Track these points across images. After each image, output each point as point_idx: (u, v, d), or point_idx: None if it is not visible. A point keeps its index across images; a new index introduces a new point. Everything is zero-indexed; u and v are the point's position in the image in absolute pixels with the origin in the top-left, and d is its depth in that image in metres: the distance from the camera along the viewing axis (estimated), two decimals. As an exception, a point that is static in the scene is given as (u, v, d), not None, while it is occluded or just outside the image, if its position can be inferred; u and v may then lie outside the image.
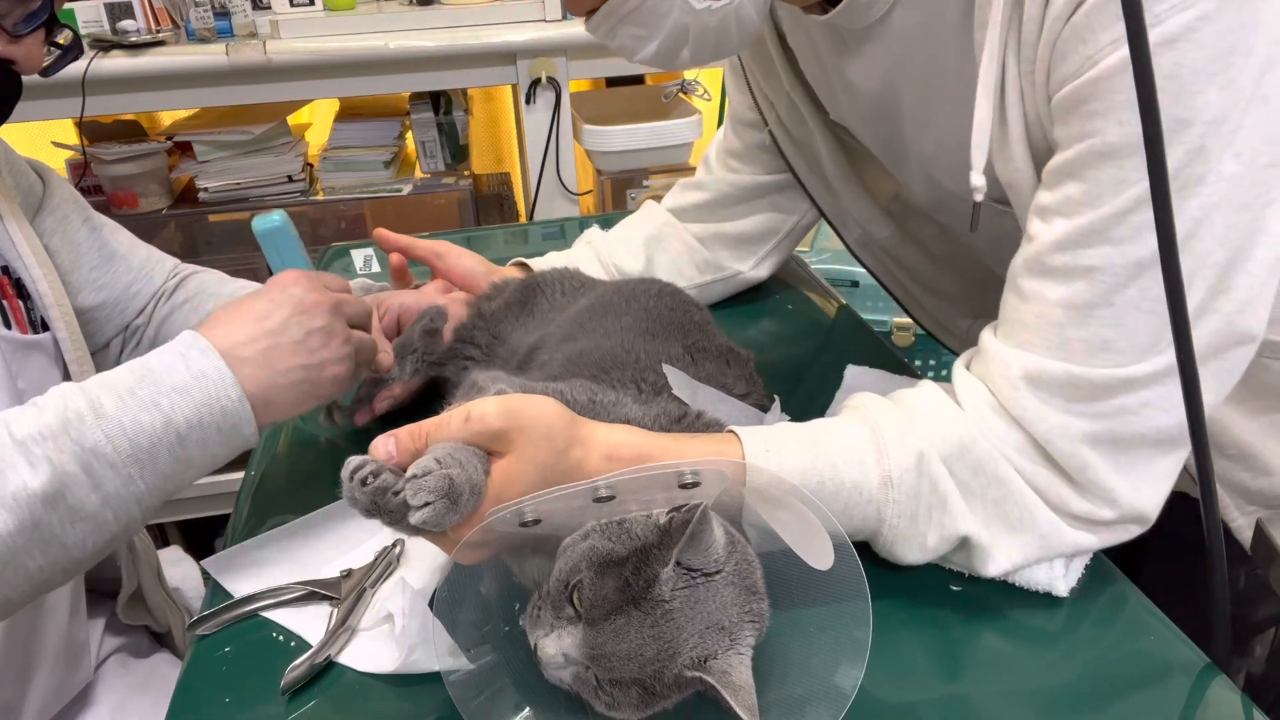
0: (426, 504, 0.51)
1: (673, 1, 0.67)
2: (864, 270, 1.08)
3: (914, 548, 0.63)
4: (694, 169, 1.10)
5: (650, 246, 1.04)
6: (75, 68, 1.72)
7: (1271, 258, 0.59)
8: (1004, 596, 0.64)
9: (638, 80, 2.29)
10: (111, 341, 0.98)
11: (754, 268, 1.07)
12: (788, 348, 1.03)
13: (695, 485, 0.56)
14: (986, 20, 0.62)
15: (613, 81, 2.26)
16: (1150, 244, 0.56)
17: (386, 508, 0.54)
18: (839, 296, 1.13)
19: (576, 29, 1.87)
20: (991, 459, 0.61)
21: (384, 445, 0.56)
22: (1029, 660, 0.60)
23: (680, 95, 2.05)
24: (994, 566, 0.63)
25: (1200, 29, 0.53)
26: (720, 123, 1.34)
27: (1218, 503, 0.57)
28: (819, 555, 0.54)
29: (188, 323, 0.96)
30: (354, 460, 0.55)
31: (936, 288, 1.06)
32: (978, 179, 0.64)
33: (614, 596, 0.51)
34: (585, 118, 1.94)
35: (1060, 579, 0.63)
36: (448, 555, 0.58)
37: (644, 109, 2.05)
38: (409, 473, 0.53)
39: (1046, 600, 0.64)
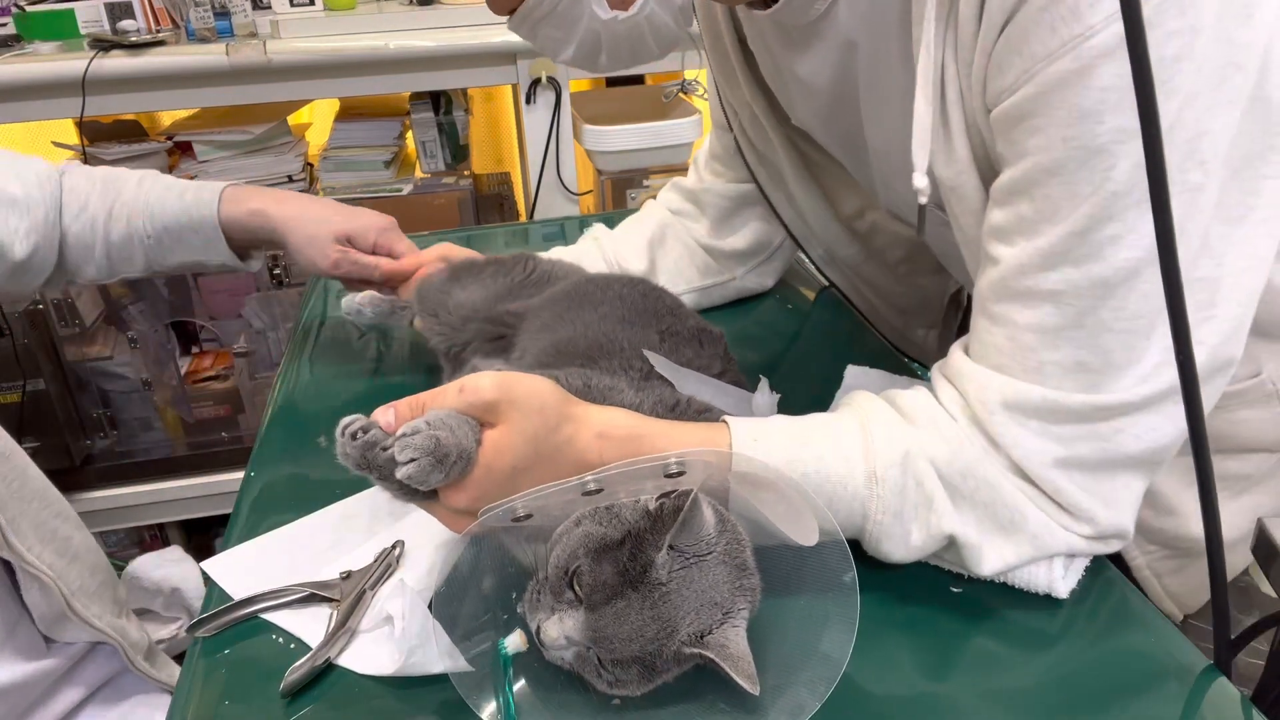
0: (412, 460, 0.54)
1: (583, 9, 0.67)
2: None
3: (899, 545, 0.63)
4: (693, 169, 1.10)
5: (653, 248, 1.04)
6: (75, 67, 1.73)
7: (1252, 288, 0.58)
8: (1004, 597, 0.64)
9: (638, 80, 2.29)
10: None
11: (748, 275, 1.07)
12: (787, 347, 1.03)
13: (681, 475, 0.57)
14: (923, 15, 0.61)
15: (613, 81, 2.26)
16: (1114, 262, 0.56)
17: (375, 463, 0.56)
18: (839, 296, 1.13)
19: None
20: (980, 463, 0.61)
21: (383, 415, 0.59)
22: (1029, 661, 0.60)
23: (680, 95, 2.05)
24: (987, 566, 0.63)
25: None
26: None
27: (1217, 503, 0.57)
28: (804, 534, 0.55)
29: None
30: (346, 418, 0.57)
31: (899, 304, 1.07)
32: (920, 180, 0.63)
33: (613, 581, 0.53)
34: (585, 118, 1.94)
35: (1060, 580, 0.63)
36: (447, 531, 0.60)
37: (644, 109, 2.05)
38: (399, 431, 0.55)
39: (1046, 601, 0.63)
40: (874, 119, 0.76)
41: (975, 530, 0.62)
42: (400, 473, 0.54)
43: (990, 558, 0.62)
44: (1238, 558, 0.86)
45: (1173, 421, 0.60)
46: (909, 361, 1.06)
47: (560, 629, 0.53)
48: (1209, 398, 0.60)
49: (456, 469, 0.56)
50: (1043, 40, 0.54)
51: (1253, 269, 0.59)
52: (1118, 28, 0.51)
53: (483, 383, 0.58)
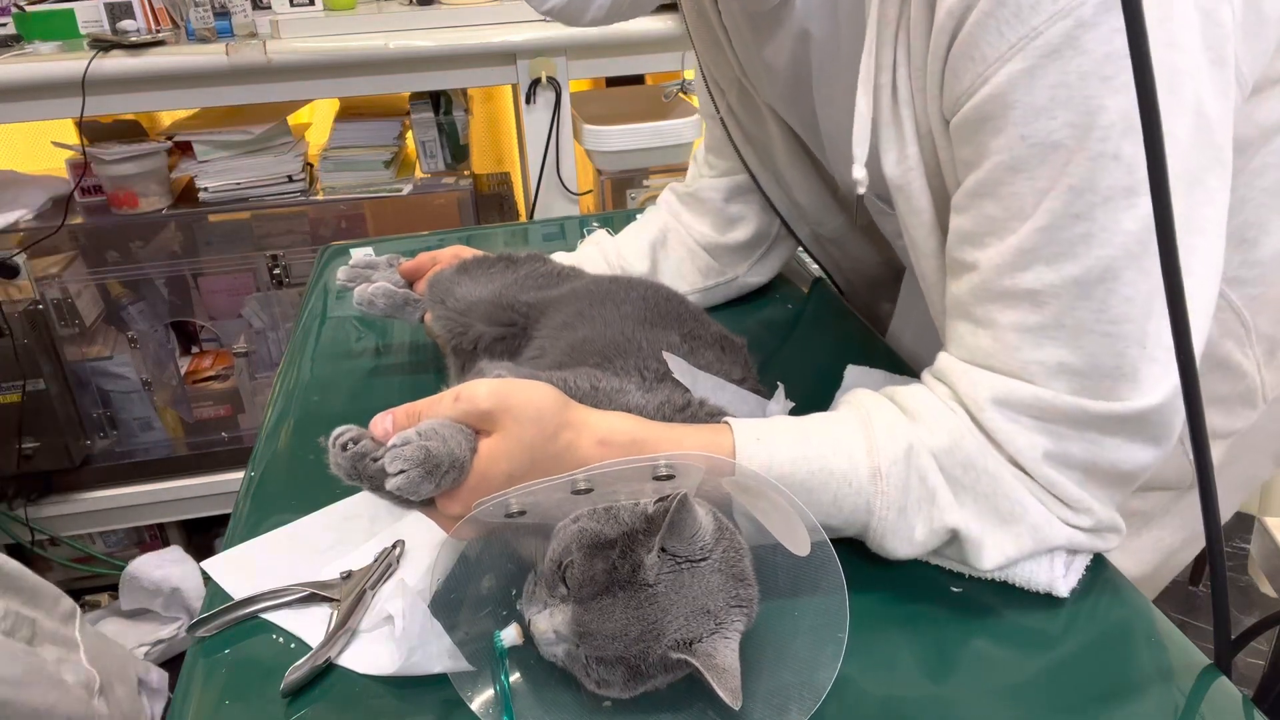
0: (402, 471, 0.54)
1: None
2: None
3: (903, 541, 0.63)
4: (693, 169, 1.11)
5: (655, 250, 1.04)
6: (75, 68, 1.72)
7: (1215, 294, 0.59)
8: (1004, 597, 0.64)
9: (638, 80, 2.29)
10: None
11: (749, 271, 1.07)
12: (787, 347, 1.03)
13: (670, 478, 0.57)
14: (873, 17, 0.62)
15: (613, 81, 2.26)
16: (1086, 260, 0.56)
17: (366, 473, 0.58)
18: (839, 295, 1.13)
19: (576, 29, 1.87)
20: (981, 454, 0.61)
21: (381, 423, 0.59)
22: (1029, 660, 0.60)
23: (680, 95, 2.05)
24: (988, 560, 0.62)
25: (1081, 36, 0.52)
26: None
27: (1217, 502, 0.57)
28: (796, 542, 0.55)
29: None
30: (338, 429, 0.58)
31: (870, 275, 1.08)
32: (859, 171, 0.65)
33: (601, 578, 0.53)
34: (585, 117, 1.94)
35: (1061, 579, 0.63)
36: (445, 534, 0.60)
37: (644, 109, 2.05)
38: (390, 442, 0.55)
39: (1047, 601, 0.63)
40: (825, 107, 0.79)
41: (977, 523, 0.62)
42: (390, 484, 0.55)
43: (991, 551, 0.62)
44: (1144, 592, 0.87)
45: (1157, 443, 0.61)
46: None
47: (549, 623, 0.54)
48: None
49: (449, 479, 0.56)
50: (992, 44, 0.55)
51: (1212, 280, 0.59)
52: (1062, 26, 0.52)
53: (479, 391, 0.58)
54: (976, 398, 0.61)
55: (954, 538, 0.63)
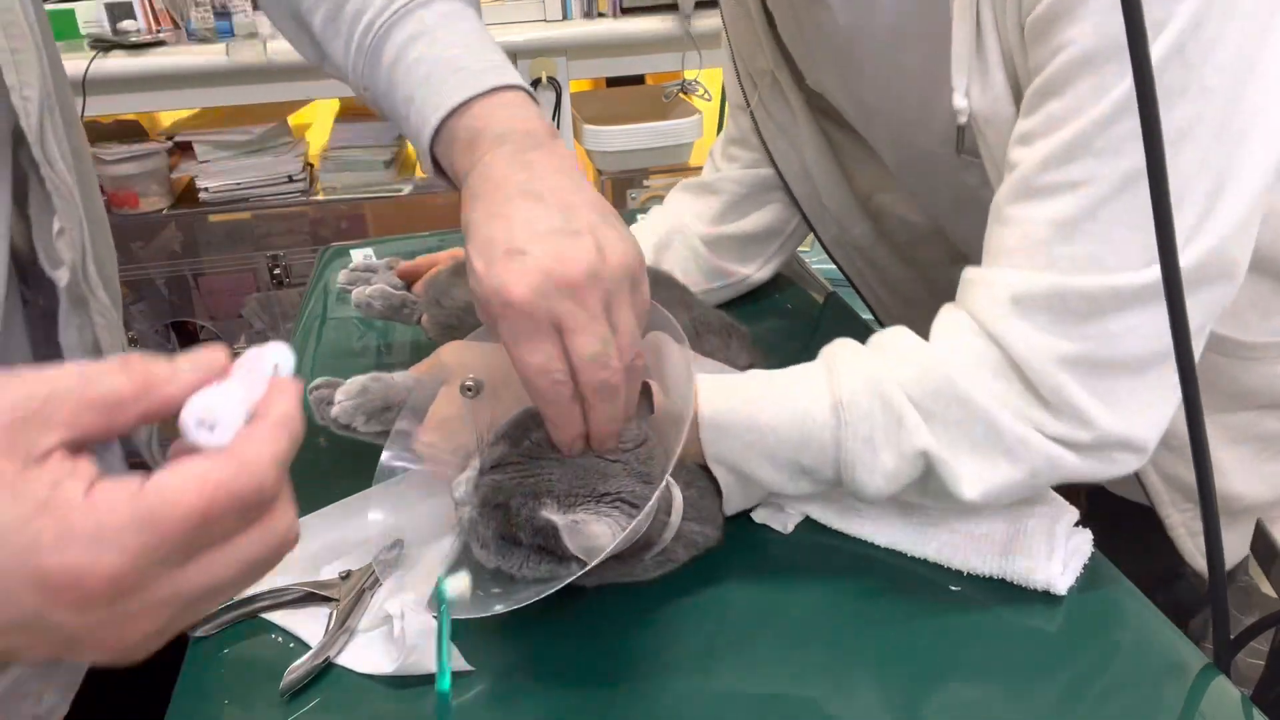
0: (339, 402, 0.67)
1: None
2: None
3: (873, 473, 0.62)
4: (693, 169, 1.11)
5: (659, 252, 1.04)
6: (76, 67, 1.73)
7: (1257, 188, 0.59)
8: (1004, 596, 0.64)
9: (638, 80, 2.29)
10: None
11: (758, 270, 1.07)
12: (787, 346, 1.03)
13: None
14: None
15: (613, 81, 2.26)
16: (1134, 156, 0.55)
17: (326, 415, 0.69)
18: (839, 295, 1.13)
19: (576, 29, 1.87)
20: (949, 380, 0.61)
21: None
22: (1028, 660, 0.60)
23: (680, 95, 2.05)
24: (968, 488, 0.61)
25: None
26: (720, 121, 1.35)
27: (1216, 501, 0.57)
28: (684, 401, 0.60)
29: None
30: (314, 380, 0.70)
31: (904, 292, 1.07)
32: (960, 100, 0.66)
33: (518, 448, 0.58)
34: (585, 118, 1.94)
35: (1059, 577, 0.63)
36: (445, 535, 0.65)
37: (644, 109, 2.05)
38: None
39: (1046, 600, 0.63)
40: (889, 71, 0.77)
41: (949, 448, 0.61)
42: (331, 410, 0.67)
43: (968, 478, 0.61)
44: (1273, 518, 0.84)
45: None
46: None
47: (466, 485, 0.59)
48: (1210, 308, 0.61)
49: (388, 416, 0.68)
50: None
51: (1251, 171, 0.59)
52: None
53: (442, 348, 0.71)
54: (995, 297, 0.61)
55: (929, 468, 0.62)
